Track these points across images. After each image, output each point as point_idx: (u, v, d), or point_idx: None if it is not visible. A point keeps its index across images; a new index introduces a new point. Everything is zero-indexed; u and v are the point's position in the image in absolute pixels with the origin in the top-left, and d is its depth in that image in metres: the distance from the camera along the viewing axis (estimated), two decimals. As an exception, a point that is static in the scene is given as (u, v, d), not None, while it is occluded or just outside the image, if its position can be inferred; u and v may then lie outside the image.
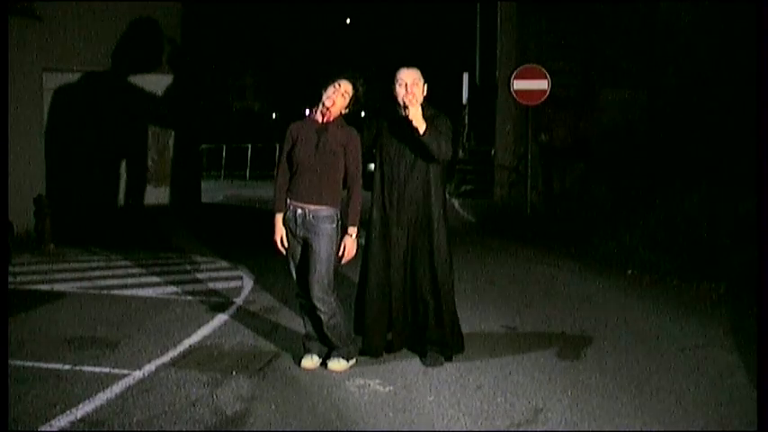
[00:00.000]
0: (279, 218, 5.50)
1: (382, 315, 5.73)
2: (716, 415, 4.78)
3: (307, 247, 5.42)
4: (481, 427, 4.58)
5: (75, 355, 5.79)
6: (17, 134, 11.49)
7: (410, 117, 5.42)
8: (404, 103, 5.50)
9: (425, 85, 5.65)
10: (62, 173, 15.54)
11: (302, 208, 5.37)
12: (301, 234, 5.41)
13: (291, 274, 5.58)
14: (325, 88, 5.37)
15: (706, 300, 8.07)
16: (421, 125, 5.42)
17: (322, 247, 5.33)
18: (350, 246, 5.42)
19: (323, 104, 5.38)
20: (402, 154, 5.66)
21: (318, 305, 5.36)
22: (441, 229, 5.69)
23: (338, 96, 5.36)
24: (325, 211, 5.35)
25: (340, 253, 5.42)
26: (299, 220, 5.39)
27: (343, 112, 5.45)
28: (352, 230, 5.42)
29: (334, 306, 5.41)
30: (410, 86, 5.54)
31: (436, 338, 5.69)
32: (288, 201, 5.44)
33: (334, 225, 5.38)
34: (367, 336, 5.75)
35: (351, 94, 5.39)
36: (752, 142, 6.45)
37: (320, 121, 5.42)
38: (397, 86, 5.57)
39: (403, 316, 5.76)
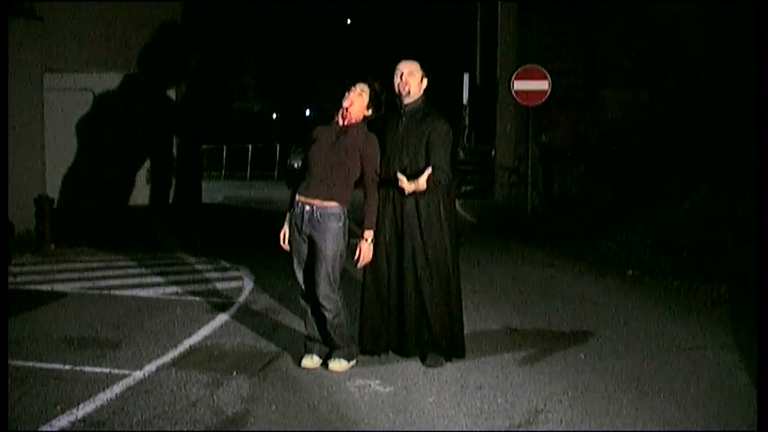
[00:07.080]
0: (288, 215, 5.56)
1: (378, 315, 5.70)
2: (716, 415, 4.79)
3: (312, 245, 5.42)
4: (481, 427, 4.58)
5: (75, 355, 5.79)
6: (17, 134, 11.49)
7: (409, 191, 5.37)
8: (401, 107, 5.62)
9: (425, 79, 5.67)
10: (62, 173, 15.58)
11: (310, 204, 5.39)
12: (307, 231, 5.41)
13: (295, 273, 5.57)
14: (345, 96, 5.45)
15: (706, 300, 8.07)
16: (422, 188, 5.38)
17: (327, 245, 5.34)
18: (365, 250, 5.44)
19: (342, 107, 5.44)
20: (400, 149, 5.58)
21: (324, 303, 5.36)
22: (443, 227, 5.59)
23: (356, 96, 5.42)
24: (332, 209, 5.36)
25: (355, 258, 5.45)
26: (305, 217, 5.40)
27: (367, 114, 5.48)
28: (368, 234, 5.43)
29: (339, 305, 5.42)
30: (405, 76, 5.62)
31: (431, 341, 5.66)
32: (297, 197, 5.46)
33: (341, 224, 5.39)
34: (361, 333, 5.72)
35: (368, 92, 5.44)
36: (752, 142, 6.45)
37: (341, 123, 5.46)
38: (395, 77, 5.63)
39: (397, 317, 5.70)
